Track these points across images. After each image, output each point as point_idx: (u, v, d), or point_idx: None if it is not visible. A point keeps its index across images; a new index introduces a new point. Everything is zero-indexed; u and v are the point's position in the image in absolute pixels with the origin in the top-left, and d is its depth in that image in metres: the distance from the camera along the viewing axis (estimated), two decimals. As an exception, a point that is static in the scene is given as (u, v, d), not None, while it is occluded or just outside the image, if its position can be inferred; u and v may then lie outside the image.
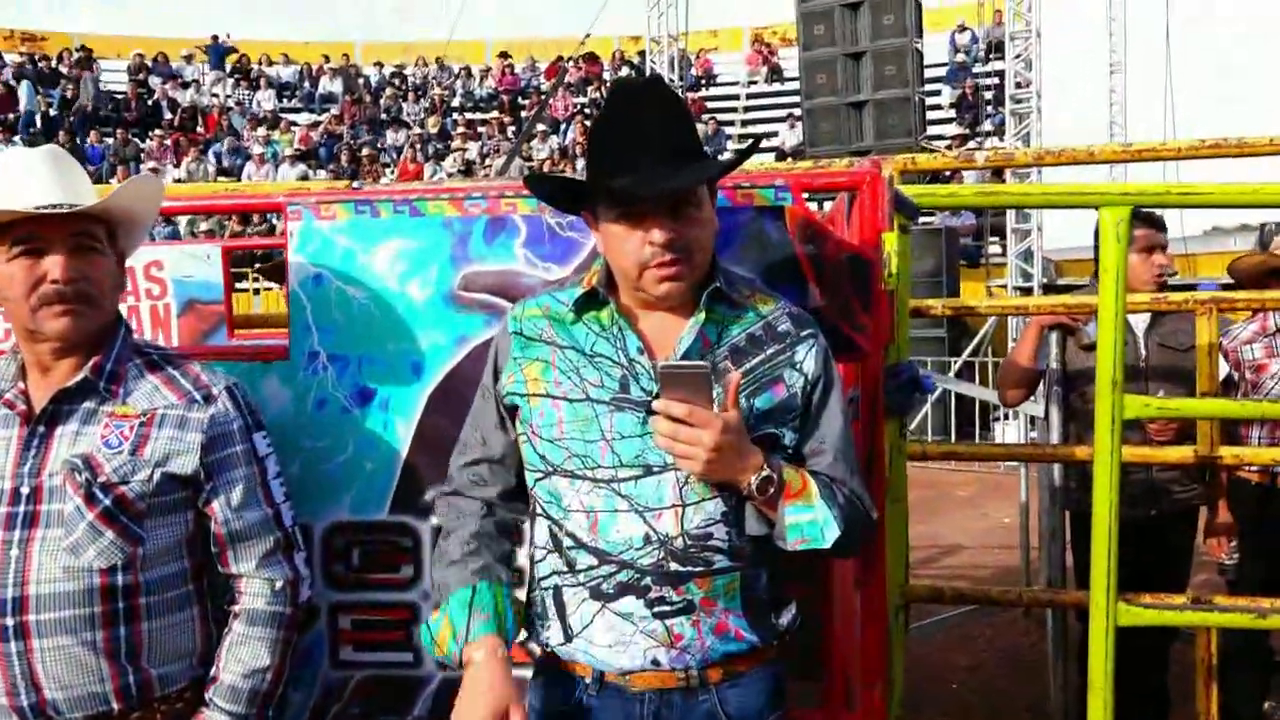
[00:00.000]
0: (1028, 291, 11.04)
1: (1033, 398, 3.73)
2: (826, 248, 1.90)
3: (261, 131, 17.82)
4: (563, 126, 18.55)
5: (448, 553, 1.57)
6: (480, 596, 1.51)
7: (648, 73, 13.99)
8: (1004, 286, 11.59)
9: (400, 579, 1.99)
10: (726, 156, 1.64)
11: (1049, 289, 10.76)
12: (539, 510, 1.59)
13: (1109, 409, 2.00)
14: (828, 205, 3.81)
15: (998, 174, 11.63)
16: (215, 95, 19.80)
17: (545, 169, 15.88)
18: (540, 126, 17.14)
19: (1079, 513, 3.32)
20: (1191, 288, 5.31)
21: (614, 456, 1.50)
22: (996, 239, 13.01)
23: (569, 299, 1.59)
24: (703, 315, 1.54)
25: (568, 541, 1.53)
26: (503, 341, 1.64)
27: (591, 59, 20.15)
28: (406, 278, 1.98)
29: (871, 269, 1.90)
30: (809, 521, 1.48)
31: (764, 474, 1.45)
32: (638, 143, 1.46)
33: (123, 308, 1.80)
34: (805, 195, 1.95)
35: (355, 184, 2.92)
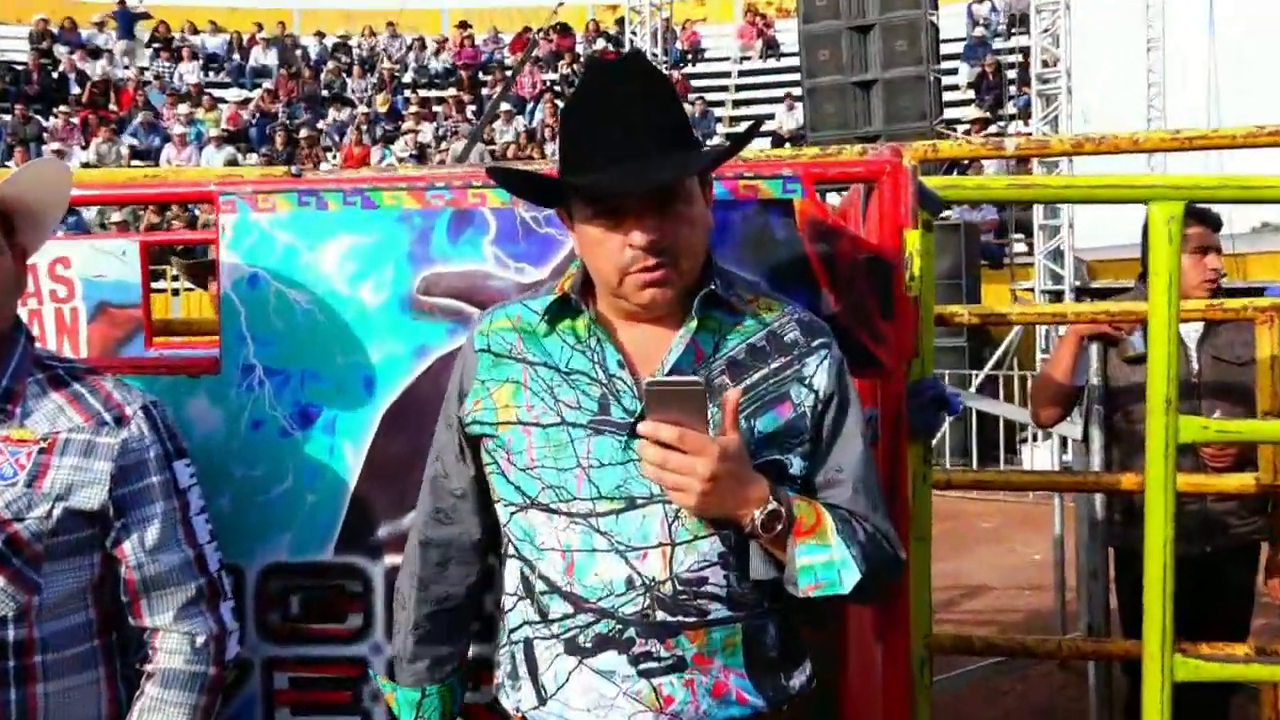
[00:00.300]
0: (1057, 295, 11.13)
1: (1069, 417, 3.73)
2: (841, 247, 1.89)
3: (183, 109, 17.74)
4: (530, 107, 18.54)
5: (401, 622, 1.71)
6: (429, 702, 1.70)
7: (627, 47, 14.03)
8: (1030, 290, 11.68)
9: (346, 630, 1.96)
10: (714, 143, 1.63)
11: (1082, 293, 10.84)
12: (511, 550, 1.57)
13: (1162, 432, 1.98)
14: (830, 198, 3.81)
15: (1021, 163, 11.74)
16: (130, 67, 19.67)
17: (510, 156, 15.88)
18: (505, 106, 17.14)
19: (1124, 549, 3.33)
20: (1257, 292, 5.33)
21: (591, 487, 1.48)
22: (1021, 236, 13.11)
23: (541, 307, 1.58)
24: (695, 323, 1.52)
25: (540, 585, 1.51)
26: (468, 360, 1.63)
27: (563, 30, 20.19)
28: (358, 280, 1.95)
29: (893, 271, 1.89)
30: (824, 563, 1.45)
31: (770, 508, 1.42)
32: (615, 129, 1.45)
33: (23, 311, 1.76)
34: (816, 187, 1.93)
35: (295, 170, 2.88)
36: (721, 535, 1.47)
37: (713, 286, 1.53)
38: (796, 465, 1.52)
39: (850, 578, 1.45)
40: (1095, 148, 2.62)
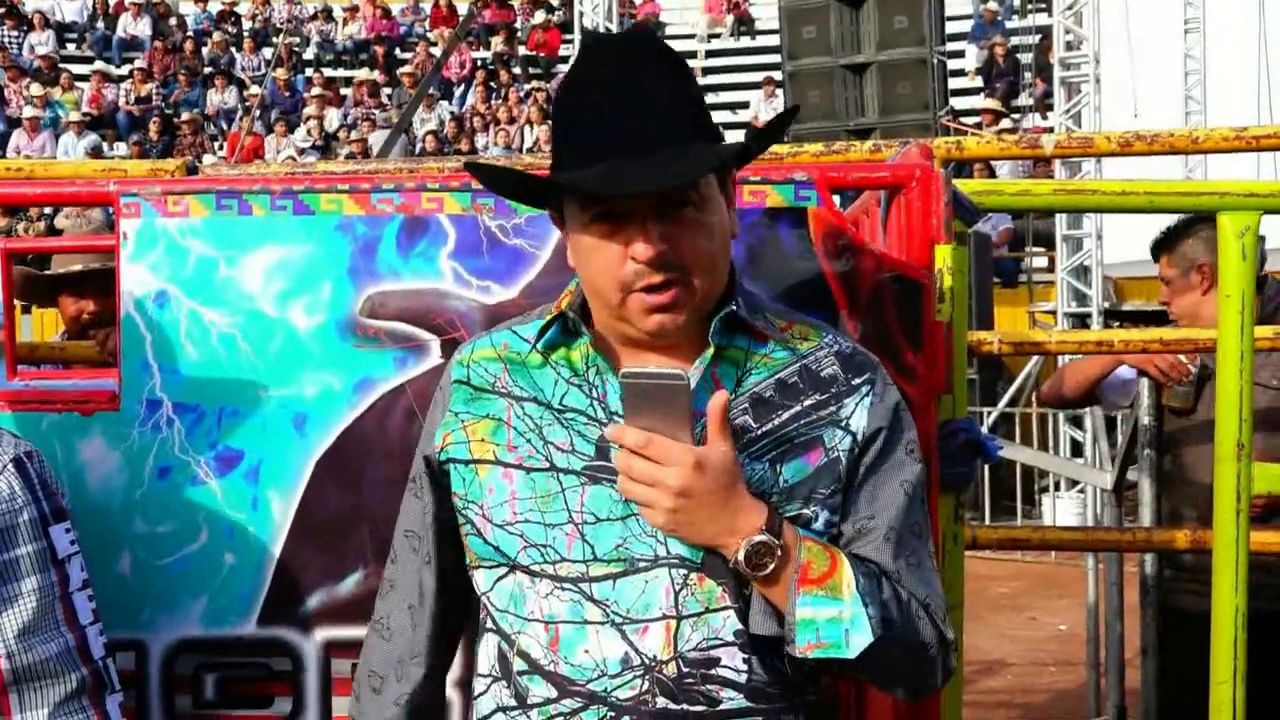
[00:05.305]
0: (1081, 319, 11.28)
1: (1106, 466, 3.80)
2: (863, 265, 1.93)
3: (35, 89, 17.52)
4: (458, 90, 18.57)
5: None
6: None
7: (575, 20, 14.13)
8: (1052, 313, 11.84)
9: (273, 717, 1.96)
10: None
11: (1111, 316, 11.01)
12: (489, 623, 1.58)
13: (1233, 481, 2.05)
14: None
15: (1037, 164, 11.89)
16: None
17: (432, 149, 15.87)
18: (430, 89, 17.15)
19: (1172, 609, 3.38)
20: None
21: (585, 546, 1.49)
22: (1041, 250, 13.31)
23: (533, 333, 1.59)
24: (711, 352, 1.52)
25: (519, 664, 1.51)
26: (443, 396, 1.64)
27: (500, 1, 20.26)
28: (288, 299, 1.97)
29: (923, 293, 1.93)
30: (829, 619, 1.43)
31: (757, 539, 1.42)
32: (618, 118, 1.46)
33: None
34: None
35: (189, 164, 2.87)
36: (739, 610, 1.48)
37: (733, 308, 1.53)
38: (822, 519, 1.52)
39: (859, 641, 1.43)
40: (1147, 147, 2.69)
